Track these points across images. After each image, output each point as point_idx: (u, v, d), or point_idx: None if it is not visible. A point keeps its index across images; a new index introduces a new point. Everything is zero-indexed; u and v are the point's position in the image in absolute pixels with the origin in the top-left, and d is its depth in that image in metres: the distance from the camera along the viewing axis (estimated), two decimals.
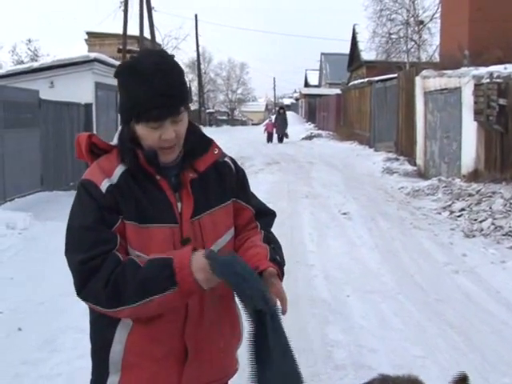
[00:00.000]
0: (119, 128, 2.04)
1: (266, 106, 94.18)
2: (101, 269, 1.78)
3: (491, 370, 4.41)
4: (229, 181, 2.10)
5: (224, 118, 74.34)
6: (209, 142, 2.06)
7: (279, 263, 2.00)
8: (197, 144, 2.01)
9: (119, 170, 1.94)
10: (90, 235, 1.83)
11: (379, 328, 5.28)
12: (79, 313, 5.58)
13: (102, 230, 1.84)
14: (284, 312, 1.86)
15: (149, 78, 1.83)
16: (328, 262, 7.30)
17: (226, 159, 2.13)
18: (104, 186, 1.89)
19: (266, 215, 2.21)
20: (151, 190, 1.93)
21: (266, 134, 30.49)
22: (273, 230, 2.22)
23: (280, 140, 29.20)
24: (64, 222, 7.79)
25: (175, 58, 1.97)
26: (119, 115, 1.99)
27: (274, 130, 29.80)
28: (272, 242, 2.10)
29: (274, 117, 31.29)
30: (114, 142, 2.02)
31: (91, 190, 1.89)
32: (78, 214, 1.90)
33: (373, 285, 6.51)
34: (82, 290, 1.82)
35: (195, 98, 52.08)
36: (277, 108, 41.40)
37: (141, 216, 1.89)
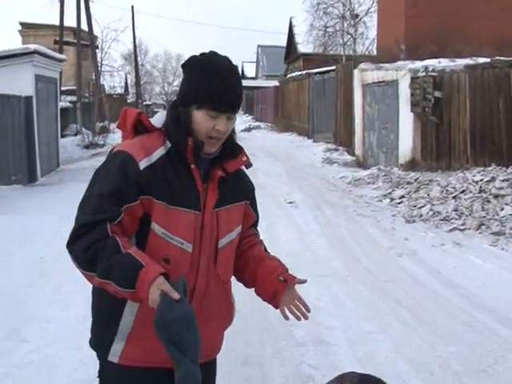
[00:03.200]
0: (161, 113, 2.21)
1: None
2: (88, 235, 1.93)
3: (438, 341, 4.80)
4: (245, 186, 2.34)
5: (161, 110, 73.71)
6: (240, 149, 2.24)
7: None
8: (230, 147, 2.19)
9: (160, 151, 2.09)
10: (97, 202, 1.99)
11: (333, 308, 5.62)
12: (42, 302, 5.69)
13: (110, 203, 1.98)
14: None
15: (223, 75, 2.05)
16: (279, 249, 7.56)
17: (244, 169, 2.35)
18: (143, 163, 2.03)
19: (256, 224, 2.47)
20: (184, 176, 2.10)
21: None
22: None
23: None
24: (11, 216, 7.92)
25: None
26: (178, 99, 2.13)
27: None
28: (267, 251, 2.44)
29: None
30: (157, 124, 2.15)
31: (127, 164, 2.03)
32: (102, 179, 2.04)
33: (324, 269, 6.83)
34: (70, 246, 1.98)
35: (132, 90, 51.50)
36: None
37: (171, 198, 2.05)
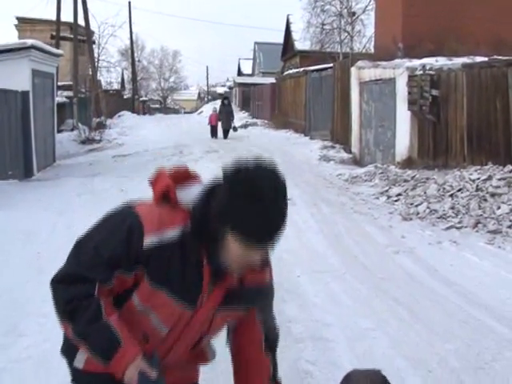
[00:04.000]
0: (196, 188, 1.96)
1: (199, 94, 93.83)
2: (74, 287, 1.86)
3: (436, 339, 4.82)
4: (260, 300, 2.13)
5: (157, 106, 73.64)
6: (266, 262, 2.07)
7: None
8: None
9: (175, 232, 1.89)
10: (93, 258, 1.88)
11: (331, 305, 5.63)
12: (39, 299, 5.67)
13: (105, 267, 1.87)
14: None
15: (268, 205, 1.77)
16: (277, 245, 7.60)
17: (271, 284, 2.15)
18: (149, 239, 1.86)
19: (272, 341, 2.21)
20: (191, 270, 1.91)
21: (209, 128, 25.87)
22: None
23: (225, 135, 25.19)
24: (7, 211, 7.89)
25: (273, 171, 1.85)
26: (217, 213, 1.82)
27: (220, 124, 25.57)
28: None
29: (218, 107, 27.05)
30: (185, 202, 1.94)
31: (133, 234, 1.87)
32: (106, 235, 1.91)
33: (321, 266, 6.86)
34: (53, 284, 1.91)
35: (129, 86, 51.46)
36: (209, 97, 39.62)
37: (164, 283, 1.90)
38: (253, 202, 1.75)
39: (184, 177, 1.97)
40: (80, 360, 2.05)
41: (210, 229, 1.85)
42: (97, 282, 1.86)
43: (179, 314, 1.95)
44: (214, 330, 2.09)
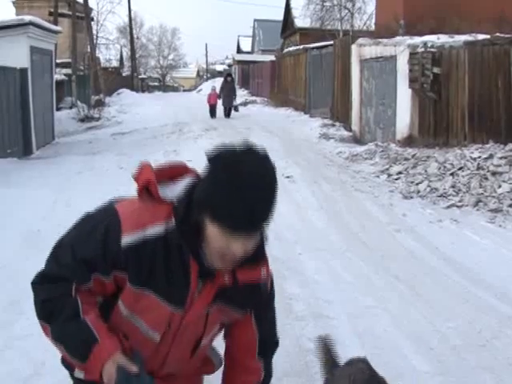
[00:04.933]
0: (179, 184, 1.84)
1: (198, 72, 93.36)
2: (51, 287, 1.80)
3: (437, 317, 4.82)
4: (256, 301, 2.01)
5: (156, 84, 73.26)
6: (262, 258, 1.92)
7: None
8: (250, 254, 1.79)
9: (158, 229, 1.78)
10: (69, 257, 1.81)
11: (332, 282, 5.64)
12: None
13: (80, 267, 1.79)
14: None
15: (249, 191, 1.63)
16: (278, 223, 7.58)
17: (267, 282, 2.02)
18: (127, 238, 1.76)
19: (269, 347, 2.13)
20: (177, 267, 1.79)
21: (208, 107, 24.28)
22: None
23: (227, 114, 23.83)
24: (6, 188, 7.85)
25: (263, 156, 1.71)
26: (197, 202, 1.72)
27: (221, 102, 23.98)
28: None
29: (216, 85, 25.78)
30: (169, 194, 1.82)
31: (110, 233, 1.78)
32: (79, 239, 1.83)
33: (322, 243, 6.85)
34: (33, 285, 1.85)
35: (127, 63, 51.14)
36: (208, 75, 38.93)
37: (148, 284, 1.80)
38: (231, 187, 1.62)
39: (171, 172, 1.86)
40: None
41: (192, 221, 1.72)
42: (73, 281, 1.79)
43: (168, 317, 1.85)
44: (209, 331, 1.98)
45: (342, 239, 7.07)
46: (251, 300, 1.97)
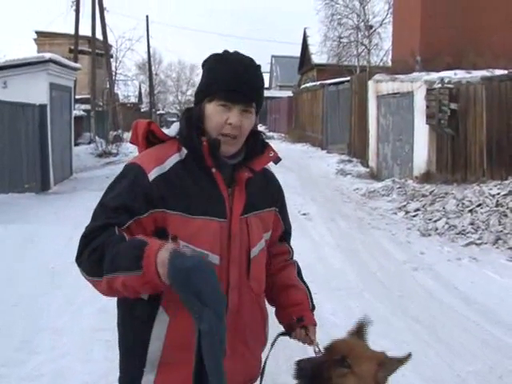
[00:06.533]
0: (177, 123, 2.05)
1: None
2: (95, 239, 1.82)
3: (456, 360, 4.69)
4: (275, 190, 2.19)
5: (174, 119, 73.91)
6: (265, 144, 2.09)
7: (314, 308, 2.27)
8: (254, 145, 2.04)
9: (174, 158, 1.95)
10: (103, 211, 1.89)
11: (349, 323, 5.48)
12: (53, 313, 5.65)
13: (116, 213, 1.86)
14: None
15: (234, 65, 1.94)
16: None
17: (271, 169, 2.20)
18: (153, 174, 1.90)
19: (288, 236, 2.33)
20: (204, 182, 1.94)
21: None
22: None
23: None
24: (24, 224, 7.85)
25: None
26: (196, 96, 2.03)
27: None
28: (301, 274, 2.34)
29: None
30: (171, 133, 2.02)
31: (137, 176, 1.91)
32: (112, 191, 1.93)
33: (338, 283, 6.74)
34: (78, 258, 1.85)
35: (146, 99, 51.69)
36: None
37: (189, 207, 1.90)
38: (222, 64, 1.95)
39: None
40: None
41: (193, 115, 1.99)
42: (115, 225, 1.84)
43: (219, 233, 1.93)
44: (255, 241, 2.03)
45: (358, 278, 6.95)
46: (272, 189, 2.16)
